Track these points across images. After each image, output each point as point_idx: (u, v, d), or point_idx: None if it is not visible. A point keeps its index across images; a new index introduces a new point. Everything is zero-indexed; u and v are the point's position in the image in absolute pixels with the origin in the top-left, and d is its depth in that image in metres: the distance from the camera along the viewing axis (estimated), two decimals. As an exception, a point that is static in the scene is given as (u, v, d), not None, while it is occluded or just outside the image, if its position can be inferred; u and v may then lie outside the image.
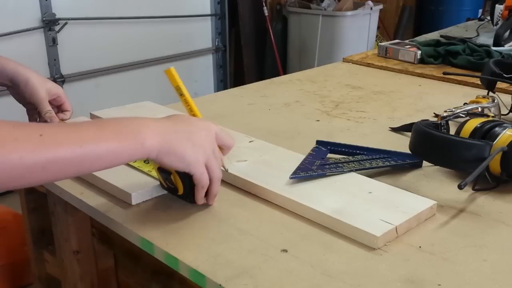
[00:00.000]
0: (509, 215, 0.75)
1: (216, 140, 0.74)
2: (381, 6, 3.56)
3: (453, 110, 0.98)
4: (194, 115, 0.80)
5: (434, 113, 1.16)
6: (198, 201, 0.75)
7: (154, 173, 0.82)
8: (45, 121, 1.03)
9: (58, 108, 1.06)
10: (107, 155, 0.64)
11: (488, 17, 2.22)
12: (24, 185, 0.62)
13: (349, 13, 3.31)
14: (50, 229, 0.98)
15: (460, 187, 0.72)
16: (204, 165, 0.71)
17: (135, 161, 0.86)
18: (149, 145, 0.66)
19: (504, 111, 1.09)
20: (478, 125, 0.84)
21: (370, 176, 0.84)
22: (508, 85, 1.22)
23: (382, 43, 1.71)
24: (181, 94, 0.79)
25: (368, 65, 1.61)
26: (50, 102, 1.03)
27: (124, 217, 0.75)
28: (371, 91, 1.35)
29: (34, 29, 2.53)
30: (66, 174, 0.64)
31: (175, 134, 0.69)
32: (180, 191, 0.75)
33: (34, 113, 1.06)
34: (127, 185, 0.79)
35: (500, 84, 1.19)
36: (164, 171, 0.74)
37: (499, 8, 2.03)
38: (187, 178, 0.72)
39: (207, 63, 3.41)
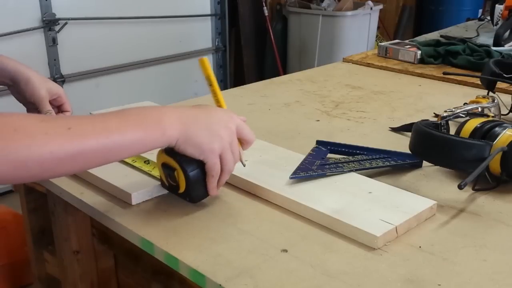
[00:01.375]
0: (509, 215, 0.75)
1: (237, 133, 0.74)
2: (381, 6, 3.56)
3: (453, 110, 0.98)
4: (220, 106, 0.80)
5: (434, 113, 1.16)
6: (211, 191, 0.75)
7: (154, 172, 0.82)
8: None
9: (58, 108, 1.07)
10: (132, 144, 0.66)
11: (488, 17, 2.22)
12: (55, 176, 0.66)
13: (349, 13, 3.31)
14: (50, 229, 0.98)
15: (460, 187, 0.72)
16: (219, 155, 0.71)
17: (136, 161, 0.86)
18: (170, 134, 0.68)
19: (504, 111, 1.09)
20: (478, 125, 0.84)
21: (370, 176, 0.84)
22: (508, 85, 1.22)
23: (382, 43, 1.71)
24: (210, 84, 0.80)
25: (368, 65, 1.61)
26: (50, 102, 1.03)
27: (124, 217, 0.75)
28: (371, 91, 1.35)
29: (34, 29, 2.52)
30: (94, 163, 0.67)
31: (194, 123, 0.70)
32: (181, 188, 0.75)
33: (35, 113, 1.06)
34: (127, 185, 0.79)
35: (500, 84, 1.19)
36: (168, 167, 0.74)
37: (499, 8, 2.03)
38: (190, 175, 0.72)
39: (207, 63, 3.41)
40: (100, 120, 0.65)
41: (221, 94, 0.80)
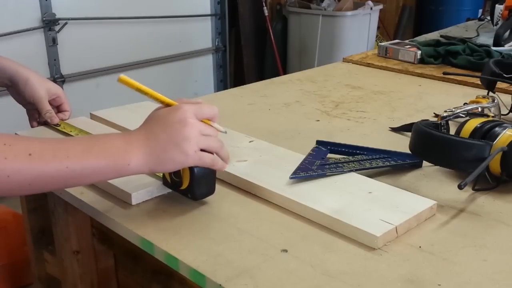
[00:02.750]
0: (509, 215, 0.75)
1: (198, 117, 0.72)
2: (381, 6, 3.56)
3: (453, 110, 0.98)
4: (168, 104, 0.74)
5: (434, 113, 1.16)
6: (223, 168, 0.75)
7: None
8: (45, 121, 1.03)
9: (58, 108, 1.07)
10: (94, 173, 0.67)
11: (488, 17, 2.22)
12: (12, 195, 0.67)
13: (349, 13, 3.31)
14: (50, 229, 0.98)
15: (460, 187, 0.73)
16: (199, 151, 0.71)
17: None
18: (136, 165, 0.68)
19: (504, 111, 1.09)
20: (478, 125, 0.84)
21: (370, 176, 0.84)
22: (508, 85, 1.22)
23: (382, 43, 1.70)
24: (146, 93, 0.73)
25: (368, 65, 1.61)
26: (49, 102, 1.03)
27: (124, 217, 0.75)
28: (371, 91, 1.35)
29: (34, 29, 2.52)
30: (52, 188, 0.70)
31: (156, 143, 0.69)
32: (184, 184, 0.75)
33: (34, 113, 1.06)
34: (127, 185, 0.79)
35: (500, 84, 1.19)
36: None
37: (499, 8, 2.03)
38: (195, 170, 0.72)
39: (207, 63, 3.41)
40: (63, 147, 0.66)
41: (160, 94, 0.74)
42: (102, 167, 0.66)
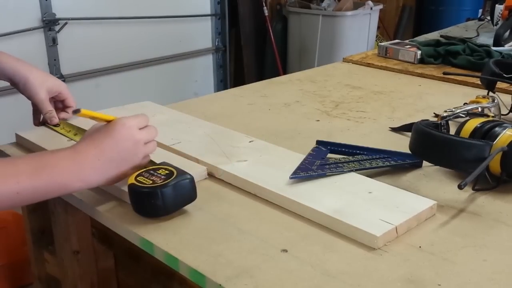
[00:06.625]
0: (509, 215, 0.75)
1: (140, 126, 0.77)
2: (381, 6, 3.56)
3: (453, 110, 0.98)
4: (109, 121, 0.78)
5: (434, 113, 1.16)
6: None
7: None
8: (46, 121, 1.03)
9: (62, 103, 1.05)
10: (45, 195, 0.70)
11: (488, 17, 2.22)
12: None
13: (349, 13, 3.31)
14: (50, 229, 0.98)
15: (460, 187, 0.73)
16: (142, 158, 0.77)
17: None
18: (86, 184, 0.73)
19: (504, 111, 1.09)
20: (478, 125, 0.84)
21: (370, 176, 0.84)
22: (508, 85, 1.22)
23: (382, 43, 1.70)
24: (95, 118, 0.79)
25: (368, 65, 1.61)
26: (53, 98, 1.02)
27: (124, 217, 0.75)
28: (371, 91, 1.35)
29: (34, 29, 2.52)
30: (4, 207, 0.70)
31: (109, 164, 0.73)
32: None
33: (38, 112, 1.05)
34: (127, 184, 0.79)
35: (500, 84, 1.19)
36: None
37: (499, 8, 2.03)
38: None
39: (207, 63, 3.41)
40: (12, 168, 0.68)
41: (103, 114, 0.79)
42: (53, 189, 0.69)
